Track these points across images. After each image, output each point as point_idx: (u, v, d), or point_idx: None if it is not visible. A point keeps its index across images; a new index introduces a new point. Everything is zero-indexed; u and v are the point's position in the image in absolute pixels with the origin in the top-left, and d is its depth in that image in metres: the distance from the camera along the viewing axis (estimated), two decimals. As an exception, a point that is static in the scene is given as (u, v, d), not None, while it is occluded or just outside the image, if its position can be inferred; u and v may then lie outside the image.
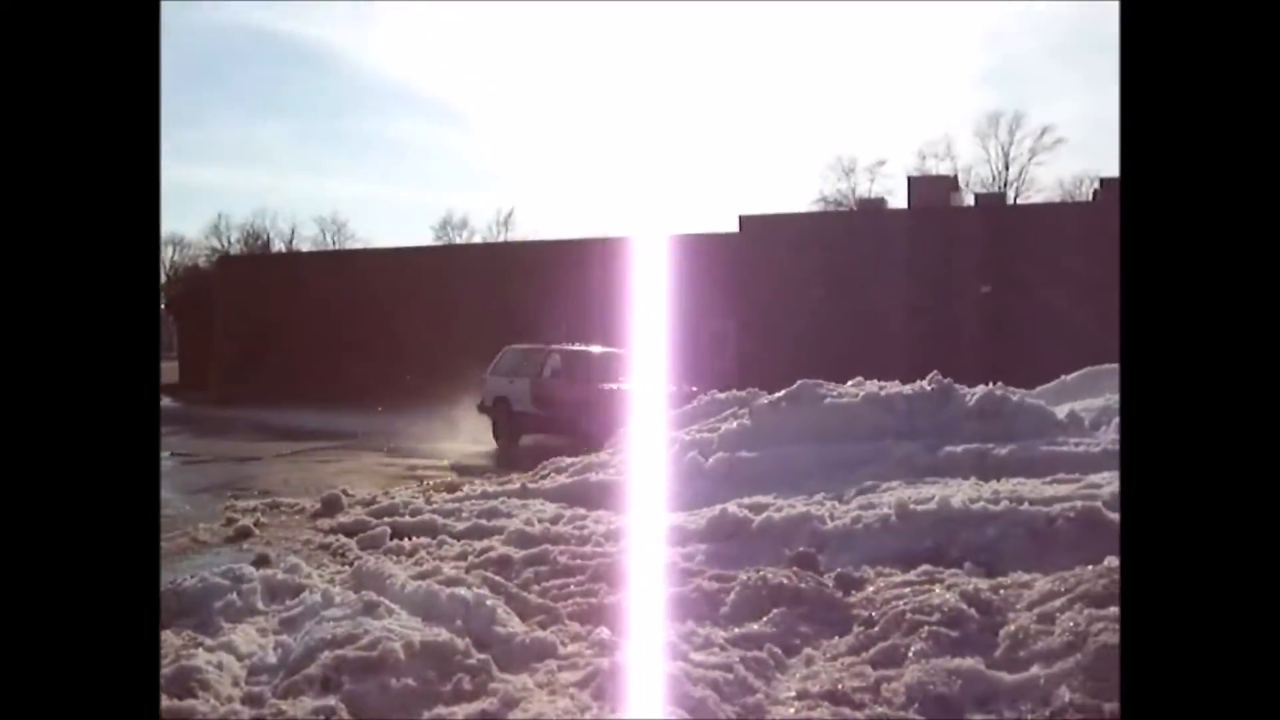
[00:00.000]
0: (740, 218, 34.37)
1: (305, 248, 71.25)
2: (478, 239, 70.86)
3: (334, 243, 72.89)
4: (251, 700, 5.30)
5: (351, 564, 8.32)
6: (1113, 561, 6.73)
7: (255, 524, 10.97)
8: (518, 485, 12.05)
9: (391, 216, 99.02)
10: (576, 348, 21.77)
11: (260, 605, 6.91)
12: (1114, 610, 5.65)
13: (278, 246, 72.58)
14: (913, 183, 40.34)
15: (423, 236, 77.86)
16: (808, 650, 5.90)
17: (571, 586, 7.32)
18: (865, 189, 60.59)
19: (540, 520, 9.65)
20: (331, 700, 5.15)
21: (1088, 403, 12.72)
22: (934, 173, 52.58)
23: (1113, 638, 5.36)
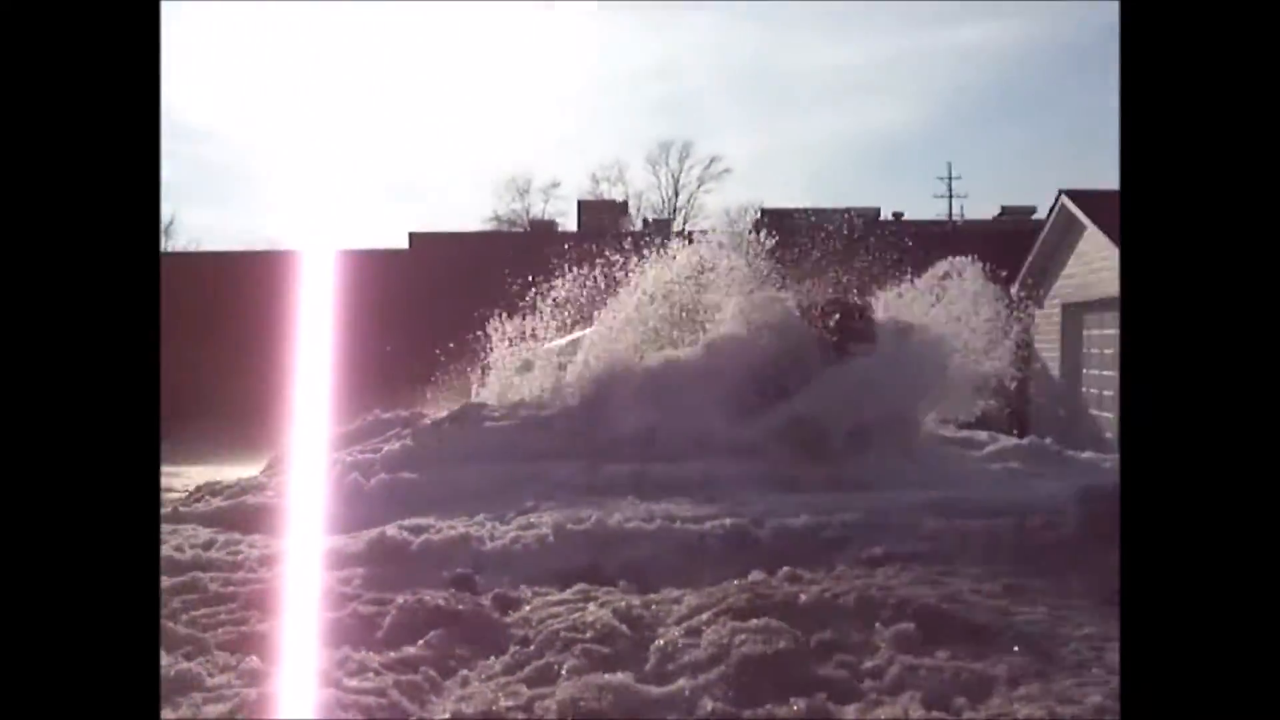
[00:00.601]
0: (410, 234, 34.11)
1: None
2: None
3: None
4: None
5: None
6: (756, 575, 7.11)
7: None
8: (169, 509, 11.51)
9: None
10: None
11: None
12: (755, 622, 5.97)
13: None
14: (583, 206, 41.21)
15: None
16: (464, 671, 5.91)
17: (222, 615, 7.04)
18: (539, 210, 61.24)
19: (191, 546, 9.23)
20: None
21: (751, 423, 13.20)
22: (606, 197, 53.77)
23: (754, 649, 5.66)
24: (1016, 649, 5.83)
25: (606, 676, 5.49)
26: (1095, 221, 17.71)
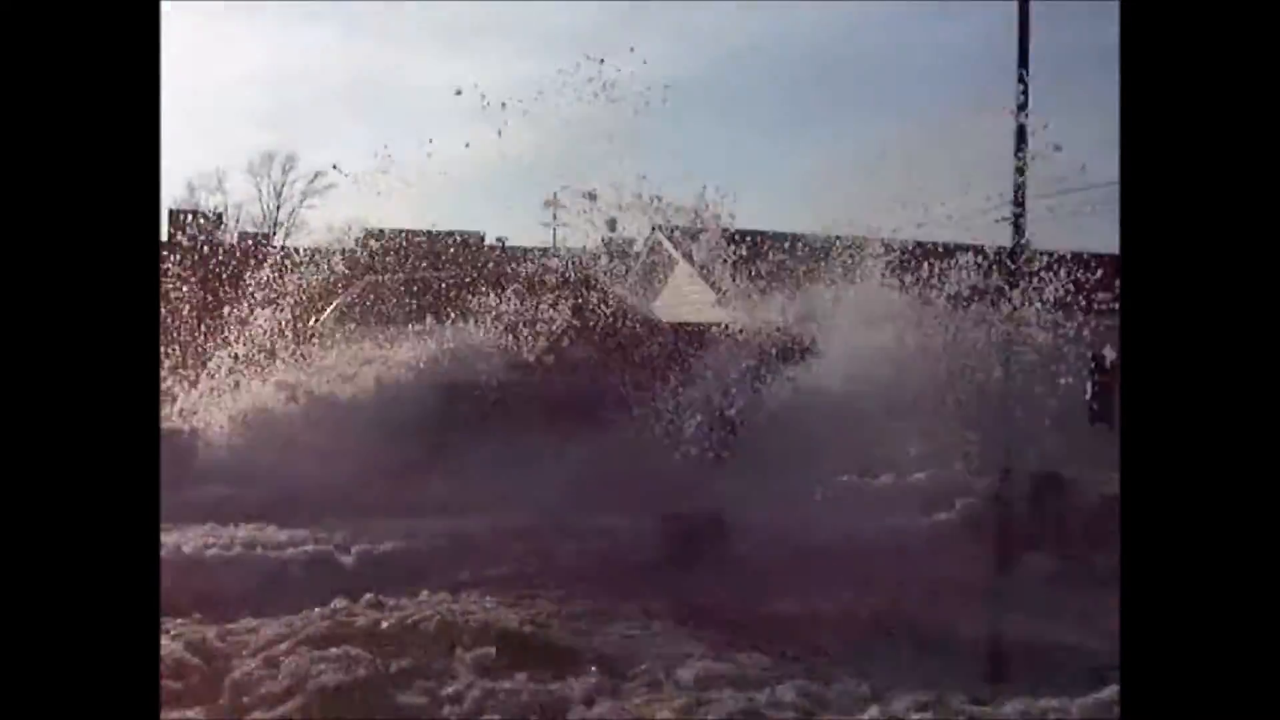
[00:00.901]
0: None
1: None
2: None
3: None
4: None
5: None
6: (339, 603, 7.00)
7: None
8: None
9: None
10: None
11: None
12: (335, 651, 5.89)
13: None
14: (175, 216, 39.29)
15: None
16: (14, 714, 5.51)
17: None
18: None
19: None
20: None
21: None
22: (203, 207, 51.48)
23: (333, 678, 5.58)
24: (594, 669, 6.04)
25: (176, 714, 5.28)
26: (684, 256, 18.61)
